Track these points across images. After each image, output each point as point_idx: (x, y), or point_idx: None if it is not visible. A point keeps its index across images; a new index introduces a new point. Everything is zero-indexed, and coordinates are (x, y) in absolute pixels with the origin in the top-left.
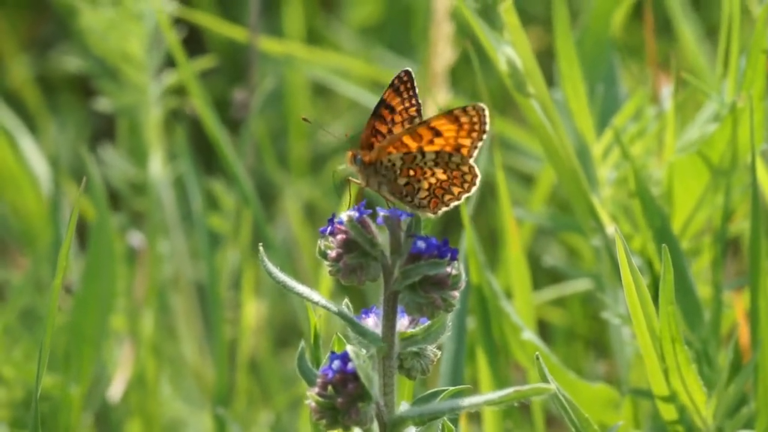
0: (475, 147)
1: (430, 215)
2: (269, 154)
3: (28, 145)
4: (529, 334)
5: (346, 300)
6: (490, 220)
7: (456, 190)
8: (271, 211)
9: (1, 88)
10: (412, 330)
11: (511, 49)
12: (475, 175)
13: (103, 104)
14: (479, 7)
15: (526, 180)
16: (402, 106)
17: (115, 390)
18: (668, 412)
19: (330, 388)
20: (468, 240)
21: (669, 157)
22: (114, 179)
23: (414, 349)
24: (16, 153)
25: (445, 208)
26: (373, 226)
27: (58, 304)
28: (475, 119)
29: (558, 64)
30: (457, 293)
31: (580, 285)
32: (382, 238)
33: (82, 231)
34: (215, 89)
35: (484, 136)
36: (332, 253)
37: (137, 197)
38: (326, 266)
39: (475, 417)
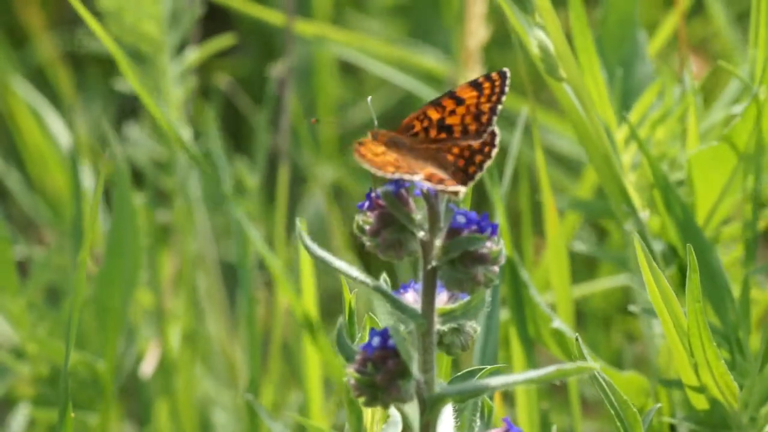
0: (494, 112)
1: (454, 197)
2: (302, 133)
3: (54, 122)
4: (559, 323)
5: (384, 275)
6: (516, 202)
7: (478, 158)
8: (300, 190)
9: (29, 66)
10: (452, 306)
11: (542, 32)
12: (495, 141)
13: (124, 85)
14: None
15: (557, 161)
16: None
17: (146, 368)
18: (699, 402)
19: (370, 364)
20: (501, 217)
21: (692, 142)
22: (139, 157)
23: (453, 325)
24: (43, 131)
25: (471, 180)
26: (410, 201)
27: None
28: (497, 83)
29: (575, 52)
30: (497, 268)
31: (614, 281)
32: (420, 212)
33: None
34: (244, 69)
35: (503, 99)
36: (370, 228)
37: (163, 176)
38: (365, 241)
39: (509, 400)
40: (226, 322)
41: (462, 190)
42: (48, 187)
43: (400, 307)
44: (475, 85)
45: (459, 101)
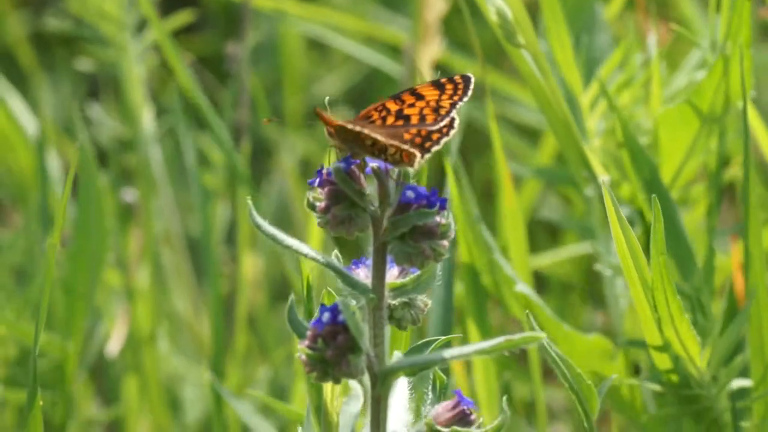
0: (454, 107)
1: (409, 168)
2: (263, 108)
3: (18, 104)
4: (523, 287)
5: (336, 251)
6: (487, 173)
7: (435, 135)
8: (267, 165)
9: None
10: (402, 280)
11: (500, 1)
12: (454, 125)
13: (86, 64)
14: None
15: (522, 131)
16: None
17: (113, 346)
18: (662, 362)
19: (320, 340)
20: (452, 189)
21: (656, 106)
22: (102, 136)
23: (404, 299)
24: (7, 112)
25: (427, 155)
26: (361, 177)
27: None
28: (460, 86)
29: (542, 16)
30: (446, 242)
31: (578, 249)
32: (371, 188)
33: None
34: (210, 46)
35: (464, 99)
36: (321, 205)
37: (126, 154)
38: (315, 218)
39: (471, 369)
40: (193, 298)
41: (416, 156)
42: (13, 168)
43: (350, 282)
44: (437, 85)
45: (419, 97)
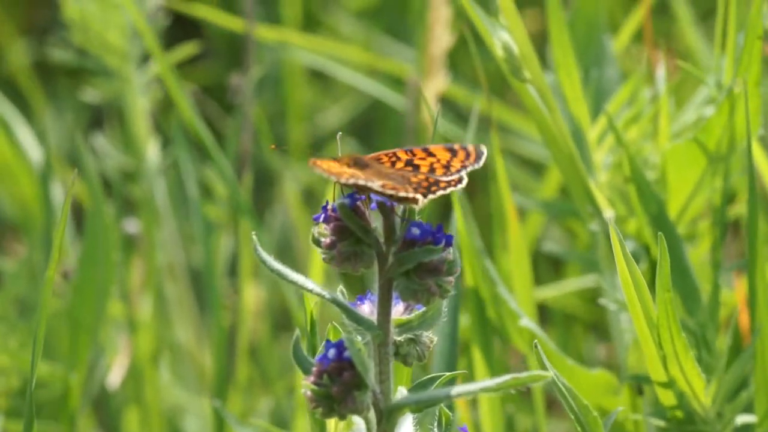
0: (464, 168)
1: (414, 206)
2: (267, 138)
3: (23, 132)
4: (527, 321)
5: (341, 287)
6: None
7: (442, 183)
8: (270, 195)
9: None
10: (408, 316)
11: (506, 34)
12: (462, 181)
13: (91, 94)
14: None
15: (527, 164)
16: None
17: (114, 378)
18: (667, 398)
19: (325, 376)
20: (460, 224)
21: (664, 142)
22: (106, 167)
23: (410, 335)
24: (11, 140)
25: (431, 197)
26: (366, 213)
27: (54, 291)
28: (472, 155)
29: (551, 49)
30: (452, 279)
31: (582, 282)
32: (377, 224)
33: (79, 218)
34: (214, 75)
35: (475, 166)
36: (326, 241)
37: (129, 185)
38: (320, 254)
39: (475, 402)
40: (195, 329)
41: (419, 198)
42: (16, 196)
43: (356, 318)
44: (450, 149)
45: (430, 154)
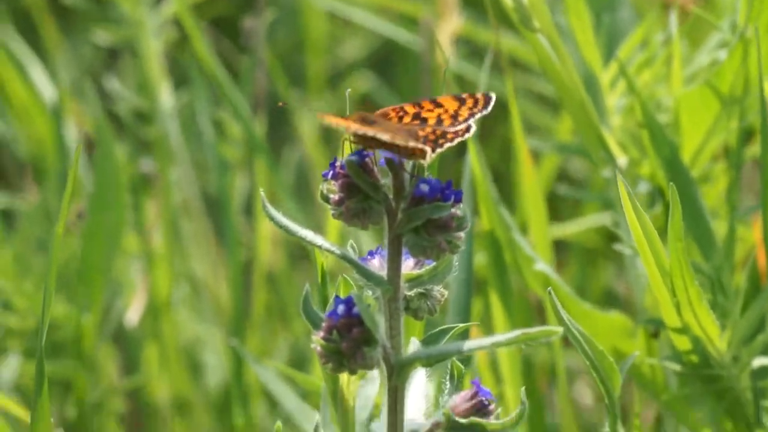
0: (472, 116)
1: (422, 161)
2: (281, 77)
3: (37, 71)
4: (542, 266)
5: (351, 241)
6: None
7: (450, 135)
8: (286, 133)
9: (15, 13)
10: (418, 271)
11: None
12: (470, 130)
13: (103, 37)
14: None
15: (545, 102)
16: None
17: (132, 315)
18: (682, 344)
19: (335, 332)
20: (474, 168)
21: (677, 86)
22: (120, 108)
23: (420, 290)
24: (25, 79)
25: (439, 150)
26: (375, 170)
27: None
28: (480, 102)
29: None
30: (462, 234)
31: (600, 219)
32: (386, 180)
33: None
34: (228, 12)
35: (484, 113)
36: (335, 197)
37: (144, 126)
38: (330, 209)
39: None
40: (212, 264)
41: (427, 151)
42: (32, 136)
43: (366, 274)
44: (458, 98)
45: (438, 105)
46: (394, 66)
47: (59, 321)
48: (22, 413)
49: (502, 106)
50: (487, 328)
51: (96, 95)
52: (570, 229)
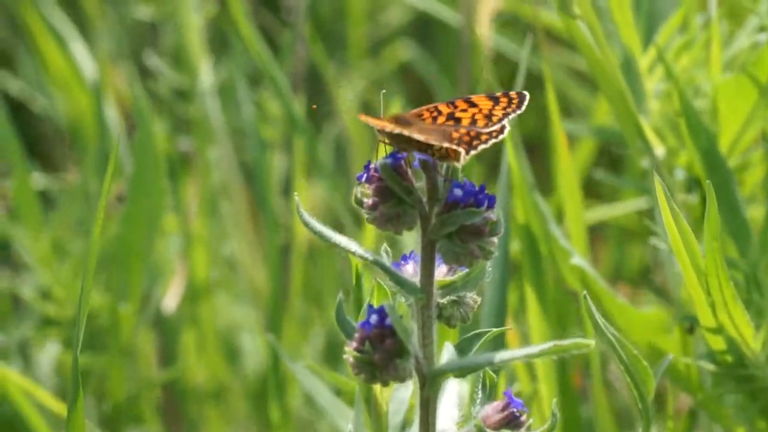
0: (506, 116)
1: (455, 164)
2: (321, 53)
3: (78, 47)
4: (578, 260)
5: (385, 245)
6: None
7: (484, 137)
8: (326, 106)
9: None
10: (451, 278)
11: None
12: (504, 131)
13: (143, 12)
14: None
15: (582, 77)
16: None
17: (170, 301)
18: (717, 343)
19: (367, 343)
20: (511, 159)
21: (716, 72)
22: (160, 87)
23: (453, 297)
24: (66, 55)
25: (473, 152)
26: (409, 173)
27: (108, 215)
28: (515, 101)
29: None
30: (495, 239)
31: (637, 204)
32: (420, 183)
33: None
34: None
35: (518, 112)
36: (368, 202)
37: (183, 104)
38: (363, 213)
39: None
40: (251, 247)
41: (462, 153)
42: (72, 109)
43: (398, 281)
44: (492, 97)
45: (472, 105)
46: (434, 35)
47: (97, 310)
48: (59, 407)
49: (539, 81)
50: (522, 322)
51: (136, 72)
52: (607, 213)
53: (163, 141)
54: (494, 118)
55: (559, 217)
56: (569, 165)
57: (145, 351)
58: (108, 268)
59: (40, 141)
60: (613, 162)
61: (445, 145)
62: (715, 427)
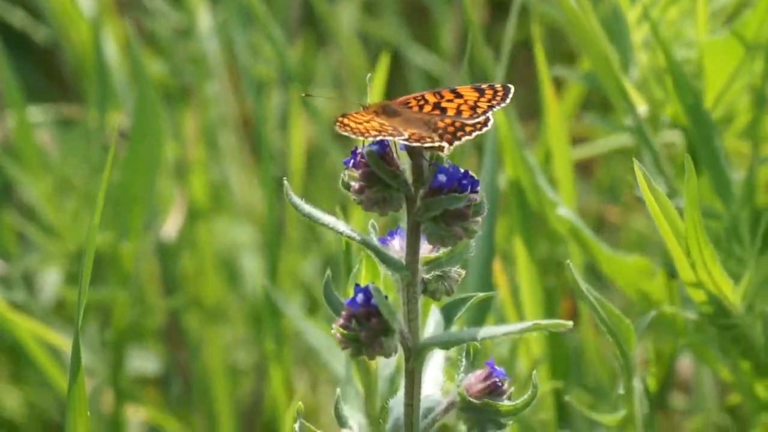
0: (491, 108)
1: (440, 153)
2: None
3: None
4: (564, 211)
5: (372, 221)
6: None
7: (468, 128)
8: (324, 36)
9: None
10: (436, 254)
11: None
12: (488, 123)
13: None
14: None
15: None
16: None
17: (170, 228)
18: (698, 296)
19: (354, 321)
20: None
21: (702, 31)
22: (160, 26)
23: (438, 272)
24: None
25: (456, 143)
26: (395, 156)
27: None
28: (499, 93)
29: None
30: (479, 219)
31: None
32: (406, 166)
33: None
34: None
35: (502, 105)
36: (355, 186)
37: (183, 43)
38: (351, 196)
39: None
40: (248, 177)
41: (445, 146)
42: (74, 40)
43: (384, 259)
44: (477, 89)
45: (458, 95)
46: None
47: (99, 245)
48: (61, 342)
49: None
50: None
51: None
52: (595, 150)
53: (162, 78)
54: (479, 110)
55: (547, 158)
56: (557, 114)
57: (147, 275)
58: (110, 206)
59: (47, 72)
60: (604, 99)
61: (428, 144)
62: (701, 367)
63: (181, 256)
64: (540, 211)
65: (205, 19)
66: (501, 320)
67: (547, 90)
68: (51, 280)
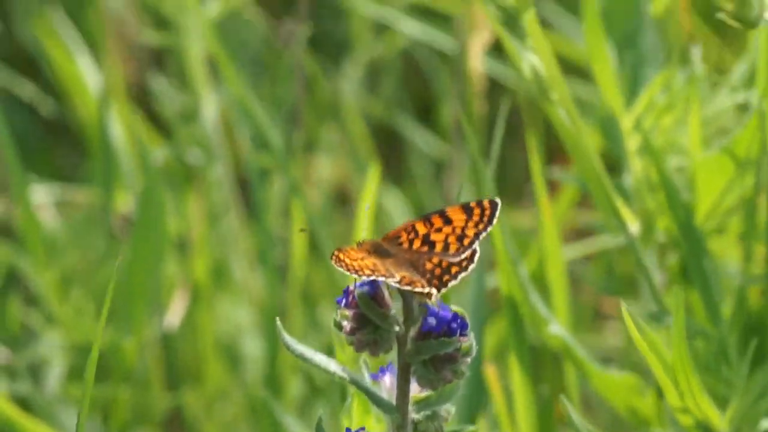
0: (477, 237)
1: (427, 300)
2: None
3: (86, 62)
4: (557, 328)
5: (364, 358)
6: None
7: (454, 269)
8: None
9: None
10: (426, 393)
11: (534, 57)
12: (474, 259)
13: (151, 37)
14: (503, 16)
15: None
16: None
17: (173, 318)
18: (685, 420)
19: None
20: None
21: (695, 147)
22: (166, 108)
23: (427, 412)
24: (76, 69)
25: (443, 290)
26: (386, 297)
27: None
28: (486, 212)
29: (585, 36)
30: (468, 359)
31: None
32: (398, 304)
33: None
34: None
35: (488, 228)
36: (347, 327)
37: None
38: (343, 336)
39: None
40: (251, 265)
41: (433, 292)
42: (82, 116)
43: (375, 400)
44: (466, 208)
45: (447, 221)
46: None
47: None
48: None
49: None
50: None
51: (141, 94)
52: (590, 248)
53: (167, 160)
54: (465, 240)
55: (540, 266)
56: (551, 219)
57: (150, 362)
58: (114, 299)
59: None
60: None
61: (417, 289)
62: None
63: (184, 341)
64: (533, 325)
65: (210, 102)
66: (494, 424)
67: (542, 199)
68: (54, 374)
